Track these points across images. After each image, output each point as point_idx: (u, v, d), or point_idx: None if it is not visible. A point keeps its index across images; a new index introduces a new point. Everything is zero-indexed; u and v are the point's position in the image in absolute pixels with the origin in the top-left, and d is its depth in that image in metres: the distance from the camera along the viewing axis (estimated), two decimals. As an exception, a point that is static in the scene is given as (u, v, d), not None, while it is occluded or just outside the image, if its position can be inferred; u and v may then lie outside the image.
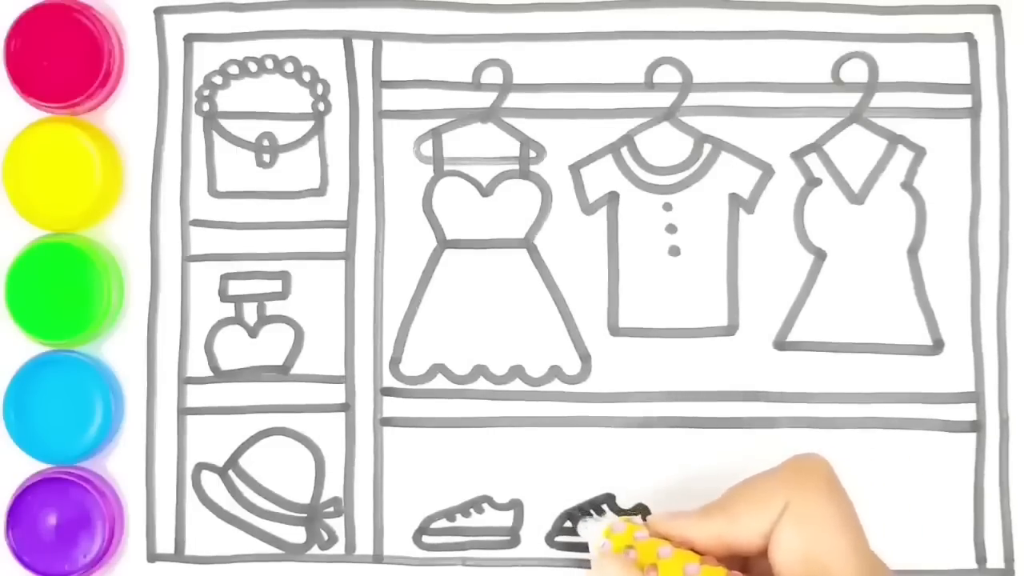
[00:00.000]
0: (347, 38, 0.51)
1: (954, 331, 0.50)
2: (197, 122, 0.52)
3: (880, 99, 0.50)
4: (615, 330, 0.50)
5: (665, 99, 0.51)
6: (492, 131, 0.51)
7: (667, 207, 0.51)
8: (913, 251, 0.50)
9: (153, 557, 0.51)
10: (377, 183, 0.51)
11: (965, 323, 0.50)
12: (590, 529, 0.45)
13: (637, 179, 0.51)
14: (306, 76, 0.51)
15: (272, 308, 0.51)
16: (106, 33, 0.50)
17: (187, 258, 0.51)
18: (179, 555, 0.51)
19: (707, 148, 0.50)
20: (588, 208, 0.51)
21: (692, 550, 0.42)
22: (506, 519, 0.50)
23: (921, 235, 0.50)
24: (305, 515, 0.50)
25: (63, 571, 0.49)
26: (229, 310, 0.51)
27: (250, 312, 0.51)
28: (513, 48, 0.51)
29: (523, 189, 0.51)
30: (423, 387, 0.51)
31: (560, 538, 0.50)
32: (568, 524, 0.50)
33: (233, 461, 0.51)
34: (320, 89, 0.51)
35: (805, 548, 0.39)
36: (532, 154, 0.51)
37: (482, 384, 0.50)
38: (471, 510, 0.50)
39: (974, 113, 0.50)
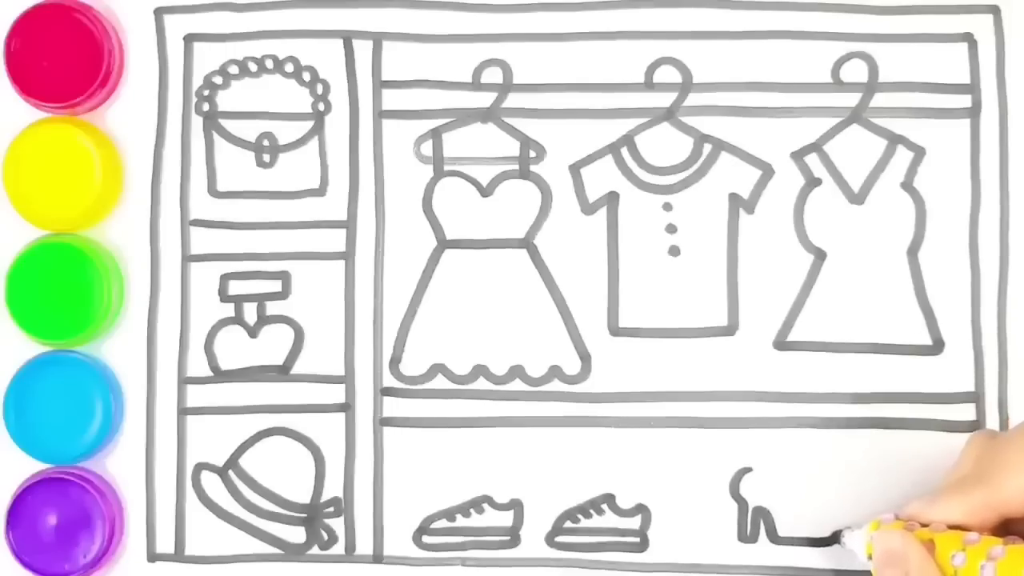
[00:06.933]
0: (347, 38, 0.51)
1: (954, 331, 0.50)
2: (197, 122, 0.52)
3: (880, 99, 0.50)
4: (615, 330, 0.50)
5: (665, 99, 0.51)
6: (492, 131, 0.51)
7: (667, 207, 0.51)
8: (913, 251, 0.50)
9: (153, 557, 0.51)
10: (377, 183, 0.51)
11: (965, 323, 0.50)
12: (855, 536, 0.45)
13: (637, 179, 0.51)
14: (306, 76, 0.51)
15: (272, 308, 0.51)
16: (106, 33, 0.50)
17: (187, 258, 0.51)
18: (179, 555, 0.51)
19: (707, 148, 0.50)
20: (588, 208, 0.51)
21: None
22: (506, 519, 0.50)
23: (921, 235, 0.50)
24: (305, 515, 0.50)
25: (63, 571, 0.49)
26: (229, 310, 0.51)
27: (250, 312, 0.51)
28: (513, 48, 0.51)
29: (523, 189, 0.51)
30: (423, 387, 0.51)
31: (560, 538, 0.50)
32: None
33: (233, 461, 0.51)
34: (320, 89, 0.51)
35: None
36: (532, 154, 0.51)
37: (482, 384, 0.50)
38: (471, 510, 0.50)
39: (974, 113, 0.50)
